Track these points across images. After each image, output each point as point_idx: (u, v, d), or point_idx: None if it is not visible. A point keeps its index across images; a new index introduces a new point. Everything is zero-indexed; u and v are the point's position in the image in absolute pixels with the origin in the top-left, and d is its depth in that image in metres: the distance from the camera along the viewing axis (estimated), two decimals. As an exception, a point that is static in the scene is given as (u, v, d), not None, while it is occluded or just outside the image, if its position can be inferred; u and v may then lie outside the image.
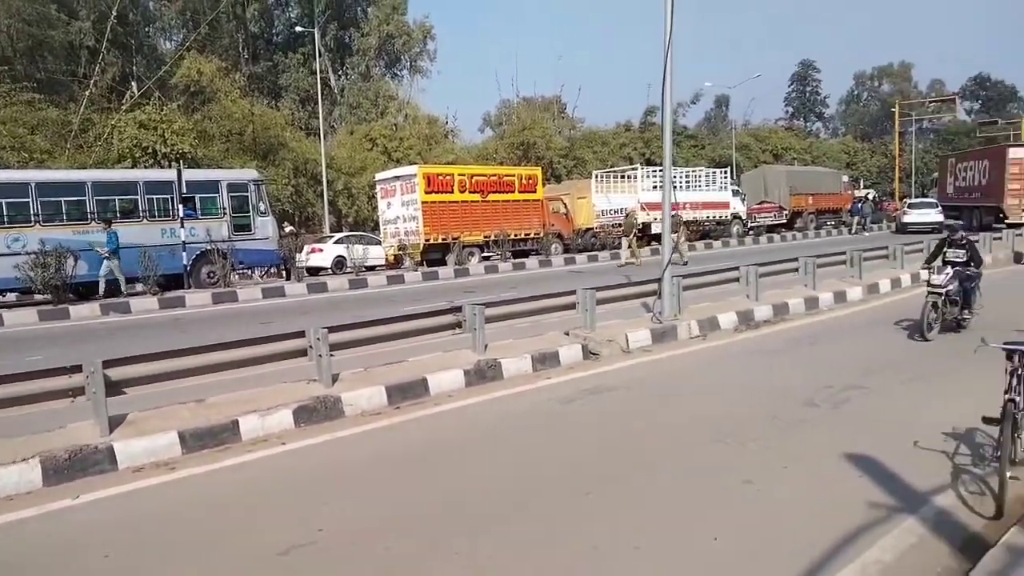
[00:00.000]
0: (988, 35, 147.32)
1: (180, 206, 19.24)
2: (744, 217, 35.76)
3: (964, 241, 10.88)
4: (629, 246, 23.52)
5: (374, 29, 49.09)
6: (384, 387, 8.02)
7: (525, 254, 26.45)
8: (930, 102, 66.03)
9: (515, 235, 26.22)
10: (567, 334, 10.61)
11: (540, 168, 31.48)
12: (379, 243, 26.16)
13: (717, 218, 33.61)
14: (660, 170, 13.51)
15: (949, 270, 10.47)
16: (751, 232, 35.09)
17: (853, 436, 6.39)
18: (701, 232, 32.51)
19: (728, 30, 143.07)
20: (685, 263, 21.42)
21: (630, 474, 5.80)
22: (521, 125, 45.04)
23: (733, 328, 11.84)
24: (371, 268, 24.47)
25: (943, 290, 10.30)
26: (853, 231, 34.82)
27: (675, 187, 29.24)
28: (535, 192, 27.46)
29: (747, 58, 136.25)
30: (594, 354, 10.11)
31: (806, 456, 6.03)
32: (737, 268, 13.45)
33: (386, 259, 25.51)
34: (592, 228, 29.54)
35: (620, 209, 27.89)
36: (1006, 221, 29.49)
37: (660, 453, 6.28)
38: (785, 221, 37.46)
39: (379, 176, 27.46)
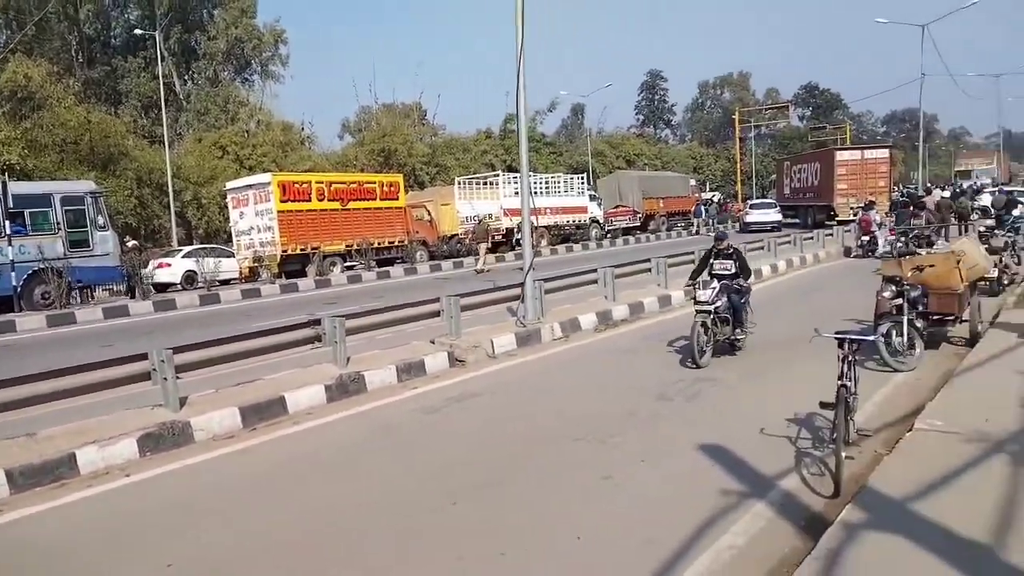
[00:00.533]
0: (817, 48, 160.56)
1: (6, 222, 17.60)
2: (601, 221, 36.97)
3: (731, 251, 9.75)
4: (485, 252, 23.67)
5: (221, 32, 46.84)
6: (238, 408, 7.61)
7: (390, 262, 26.08)
8: (766, 109, 70.96)
9: (378, 243, 25.80)
10: (433, 342, 10.51)
11: (402, 175, 31.18)
12: (232, 255, 24.94)
13: (576, 222, 34.54)
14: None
15: (715, 284, 9.34)
16: (608, 235, 36.32)
17: (705, 427, 6.70)
18: (562, 236, 33.33)
19: (581, 41, 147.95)
20: (480, 271, 22.42)
21: (496, 479, 5.79)
22: (381, 132, 44.44)
23: (593, 328, 12.16)
24: (224, 282, 23.28)
25: (711, 307, 9.10)
26: (696, 231, 36.88)
27: (535, 193, 29.93)
28: (397, 199, 27.13)
29: (600, 68, 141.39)
30: (460, 361, 10.07)
31: (662, 449, 6.25)
32: (595, 270, 13.85)
33: (240, 272, 24.35)
34: (457, 234, 29.59)
35: (487, 215, 28.14)
36: (836, 218, 32.08)
37: (525, 456, 6.31)
38: (639, 224, 39.05)
39: (230, 185, 26.24)
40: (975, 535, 4.00)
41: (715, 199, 52.21)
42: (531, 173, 27.37)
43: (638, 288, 14.73)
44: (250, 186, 24.41)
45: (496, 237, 29.70)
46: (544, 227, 31.23)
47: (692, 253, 16.68)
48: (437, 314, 10.76)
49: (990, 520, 4.15)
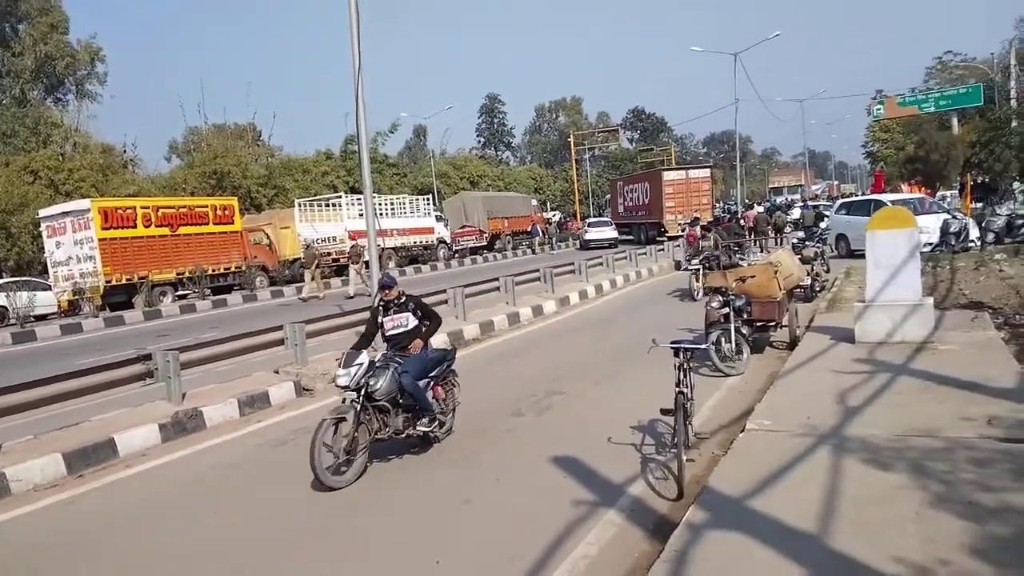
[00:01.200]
0: (642, 73, 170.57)
1: None
2: (449, 241, 37.19)
3: (403, 299, 7.04)
4: (313, 278, 22.45)
5: (28, 49, 42.88)
6: (61, 454, 6.94)
7: (227, 290, 24.86)
8: (599, 132, 74.29)
9: (213, 270, 24.53)
10: (277, 372, 10.10)
11: (237, 198, 29.83)
12: (49, 288, 22.83)
13: (423, 243, 34.55)
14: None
15: (363, 358, 6.24)
16: (456, 255, 36.59)
17: (556, 440, 6.84)
18: (410, 257, 33.20)
19: (422, 63, 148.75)
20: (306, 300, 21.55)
21: (350, 512, 5.63)
22: (212, 153, 42.28)
23: (444, 349, 12.14)
24: (41, 318, 21.29)
25: (357, 393, 6.13)
26: (535, 251, 37.86)
27: (381, 215, 29.67)
28: (233, 223, 25.95)
29: (441, 90, 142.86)
30: (308, 390, 9.73)
31: (517, 465, 6.33)
32: (445, 291, 13.88)
33: (59, 306, 22.35)
34: (299, 258, 28.63)
35: (315, 239, 27.44)
36: (666, 234, 34.05)
37: (380, 484, 6.17)
38: (486, 243, 39.65)
39: (44, 212, 24.03)
40: (803, 525, 4.33)
41: (555, 218, 54.02)
42: (375, 194, 26.94)
43: (488, 307, 14.93)
44: (67, 213, 22.49)
45: (341, 260, 29.10)
46: (391, 248, 30.97)
47: (538, 271, 17.15)
48: (281, 342, 10.36)
49: (815, 510, 4.52)
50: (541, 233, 40.54)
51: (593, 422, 7.37)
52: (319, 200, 32.39)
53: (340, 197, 31.66)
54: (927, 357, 8.26)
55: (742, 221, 31.82)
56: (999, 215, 22.22)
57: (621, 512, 5.16)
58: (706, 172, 38.89)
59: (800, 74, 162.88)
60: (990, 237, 20.22)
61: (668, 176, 37.76)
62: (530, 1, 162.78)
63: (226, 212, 25.86)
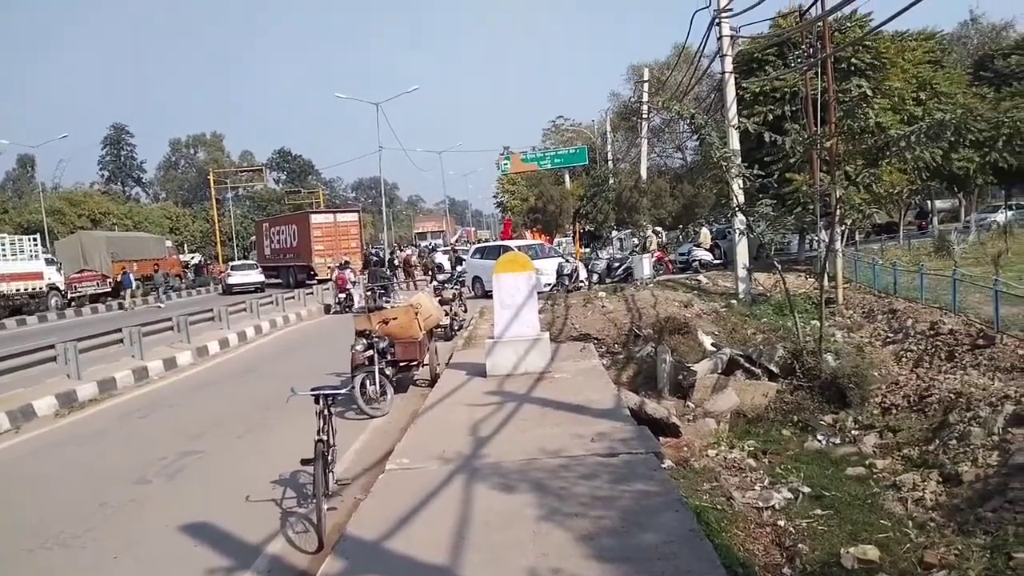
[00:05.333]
0: (288, 115, 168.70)
1: None
2: (63, 288, 32.44)
3: None
4: None
5: None
6: None
7: None
8: (241, 172, 71.44)
9: None
10: None
11: None
12: None
13: (30, 290, 29.73)
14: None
15: None
16: (73, 303, 32.05)
17: (188, 505, 6.30)
18: (11, 307, 28.29)
19: (29, 86, 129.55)
20: None
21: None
22: None
23: (54, 413, 10.56)
24: None
25: None
26: (124, 307, 31.34)
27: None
28: None
29: (54, 117, 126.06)
30: None
31: (139, 540, 5.67)
32: (53, 346, 12.06)
33: None
34: None
35: None
36: (316, 277, 33.72)
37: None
38: (110, 289, 35.39)
39: None
40: (436, 559, 4.51)
41: (194, 261, 50.55)
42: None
43: (109, 362, 13.27)
44: None
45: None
46: None
47: (170, 320, 15.78)
48: None
49: (447, 542, 4.74)
50: (134, 283, 33.15)
51: (231, 481, 6.93)
52: None
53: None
54: (546, 385, 9.26)
55: (396, 262, 33.05)
56: (601, 259, 26.06)
57: (257, 574, 4.89)
58: (354, 216, 39.45)
59: (440, 127, 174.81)
60: (595, 278, 23.55)
61: (316, 219, 37.53)
62: (159, 28, 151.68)
63: None
